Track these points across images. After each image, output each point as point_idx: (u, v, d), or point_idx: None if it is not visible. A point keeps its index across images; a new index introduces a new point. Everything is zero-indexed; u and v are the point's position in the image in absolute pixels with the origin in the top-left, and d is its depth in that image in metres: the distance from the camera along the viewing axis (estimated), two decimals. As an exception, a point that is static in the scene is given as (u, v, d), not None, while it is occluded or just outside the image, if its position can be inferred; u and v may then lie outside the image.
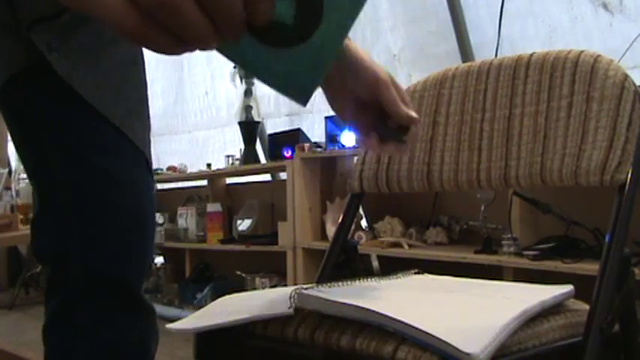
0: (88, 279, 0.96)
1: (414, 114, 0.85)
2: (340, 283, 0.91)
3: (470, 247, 2.59)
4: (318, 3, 0.33)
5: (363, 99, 0.86)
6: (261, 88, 3.71)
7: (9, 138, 1.06)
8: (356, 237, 2.90)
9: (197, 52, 0.46)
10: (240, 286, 3.55)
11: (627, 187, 0.92)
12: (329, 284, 0.90)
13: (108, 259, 0.96)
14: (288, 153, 3.38)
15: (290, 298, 0.82)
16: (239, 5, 0.43)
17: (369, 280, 0.97)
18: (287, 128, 3.73)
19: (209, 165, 4.02)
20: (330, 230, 3.13)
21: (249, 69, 0.39)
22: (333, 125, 3.18)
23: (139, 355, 0.98)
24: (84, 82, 0.93)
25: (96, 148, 0.96)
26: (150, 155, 1.01)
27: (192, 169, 4.24)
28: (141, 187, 0.99)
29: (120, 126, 0.96)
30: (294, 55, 0.35)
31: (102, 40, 0.94)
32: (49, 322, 0.99)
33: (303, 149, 3.25)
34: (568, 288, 0.92)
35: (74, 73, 0.92)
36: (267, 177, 4.04)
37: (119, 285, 0.97)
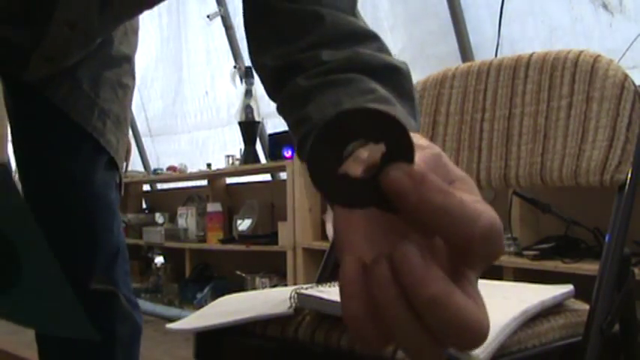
0: None
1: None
2: (340, 283, 0.91)
3: (470, 247, 2.59)
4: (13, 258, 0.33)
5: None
6: (261, 89, 3.70)
7: (9, 138, 1.11)
8: (356, 237, 2.89)
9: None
10: (240, 286, 3.55)
11: (627, 187, 0.92)
12: (329, 284, 0.90)
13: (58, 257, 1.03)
14: (288, 153, 3.38)
15: (290, 298, 0.82)
16: None
17: (369, 280, 0.97)
18: (287, 128, 3.71)
19: (209, 165, 4.02)
20: (330, 230, 3.12)
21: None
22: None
23: (105, 337, 1.04)
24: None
25: (54, 145, 1.00)
26: (119, 156, 1.04)
27: (192, 169, 4.23)
28: (97, 188, 1.02)
29: (84, 125, 0.99)
30: (18, 298, 0.34)
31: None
32: None
33: (303, 149, 3.24)
34: (568, 288, 0.92)
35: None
36: (267, 177, 4.04)
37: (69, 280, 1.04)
